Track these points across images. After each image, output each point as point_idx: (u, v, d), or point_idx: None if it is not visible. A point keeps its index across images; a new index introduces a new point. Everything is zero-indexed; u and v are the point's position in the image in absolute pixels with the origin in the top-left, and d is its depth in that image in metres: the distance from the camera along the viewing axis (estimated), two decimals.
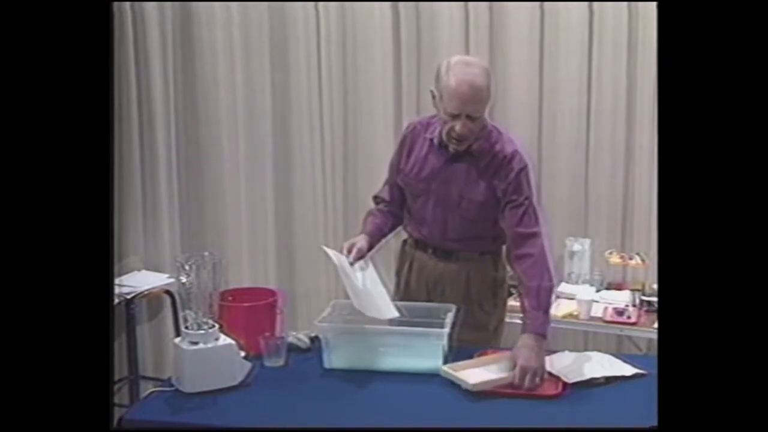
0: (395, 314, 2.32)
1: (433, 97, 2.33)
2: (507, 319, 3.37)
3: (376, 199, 2.65)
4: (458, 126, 2.27)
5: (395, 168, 2.56)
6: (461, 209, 2.41)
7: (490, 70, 2.33)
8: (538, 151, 3.70)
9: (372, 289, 2.37)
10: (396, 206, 2.59)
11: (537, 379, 2.09)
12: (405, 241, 2.63)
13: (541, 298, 2.28)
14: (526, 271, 2.31)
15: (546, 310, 2.28)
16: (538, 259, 2.32)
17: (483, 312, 2.52)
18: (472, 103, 2.25)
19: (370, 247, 2.47)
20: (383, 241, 2.58)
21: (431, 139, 2.44)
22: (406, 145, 2.52)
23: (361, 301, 2.26)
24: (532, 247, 2.33)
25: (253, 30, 3.67)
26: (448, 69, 2.26)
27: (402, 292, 2.57)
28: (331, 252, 2.36)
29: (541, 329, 2.22)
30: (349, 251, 2.38)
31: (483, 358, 2.24)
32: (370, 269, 2.44)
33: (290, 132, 3.81)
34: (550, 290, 2.31)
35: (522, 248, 2.33)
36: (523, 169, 2.36)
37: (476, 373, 2.12)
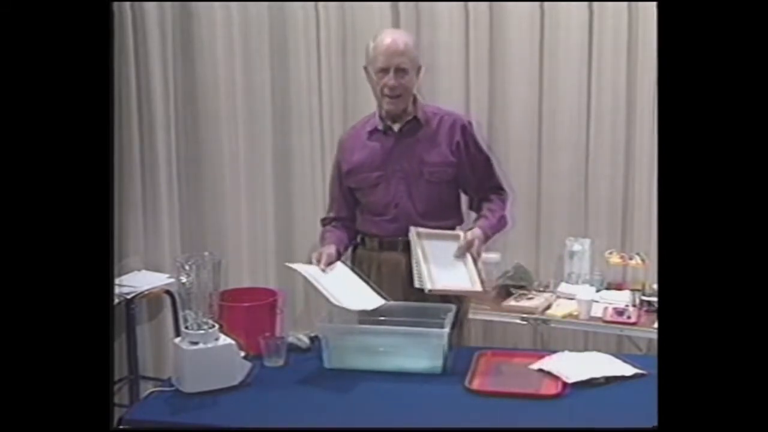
0: (380, 302, 2.33)
1: (367, 73, 2.51)
2: (507, 319, 3.39)
3: (324, 221, 2.70)
4: (390, 79, 2.42)
5: (338, 181, 2.65)
6: (425, 175, 2.51)
7: (416, 40, 2.59)
8: (538, 151, 3.70)
9: (351, 285, 2.38)
10: (347, 220, 2.65)
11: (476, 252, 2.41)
12: (356, 248, 2.64)
13: (499, 225, 2.58)
14: (500, 204, 2.61)
15: (498, 228, 2.58)
16: (507, 206, 2.63)
17: (457, 300, 2.52)
18: (398, 55, 2.42)
19: (339, 255, 2.50)
20: (346, 252, 2.61)
21: (374, 128, 2.55)
22: (345, 148, 2.63)
23: (342, 299, 2.26)
24: (505, 194, 2.64)
25: (253, 30, 3.67)
26: (374, 37, 2.49)
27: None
28: (296, 266, 2.39)
29: (489, 230, 2.52)
30: (319, 260, 2.41)
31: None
32: (345, 269, 2.45)
33: (290, 132, 3.81)
34: (505, 225, 2.62)
35: (501, 192, 2.63)
36: (472, 126, 2.59)
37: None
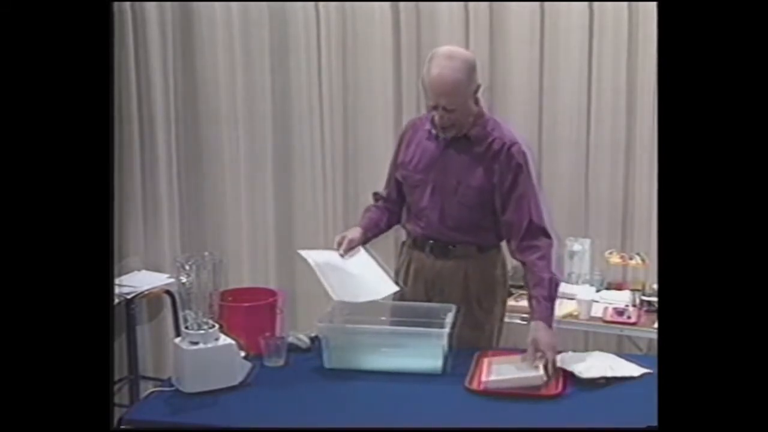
0: (394, 288, 2.33)
1: (424, 87, 2.38)
2: (507, 319, 3.39)
3: (375, 195, 2.67)
4: (437, 116, 2.34)
5: (394, 163, 2.58)
6: (458, 195, 2.42)
7: (473, 62, 2.35)
8: (539, 151, 3.69)
9: (365, 274, 2.38)
10: (393, 203, 2.60)
11: (551, 363, 2.15)
12: (404, 243, 2.64)
13: (552, 289, 2.33)
14: (536, 263, 2.35)
15: (554, 302, 2.34)
16: (547, 253, 2.36)
17: (482, 311, 2.52)
18: (445, 96, 2.28)
19: (366, 240, 2.49)
20: (380, 236, 2.59)
21: (429, 130, 2.47)
22: (406, 138, 2.55)
23: (343, 292, 2.26)
24: (541, 240, 2.37)
25: (253, 30, 3.67)
26: (430, 60, 2.31)
27: (400, 292, 2.55)
28: (305, 253, 2.36)
29: (551, 320, 2.29)
30: (339, 244, 2.41)
31: (502, 358, 2.25)
32: (362, 254, 2.45)
33: (290, 132, 3.81)
34: (558, 284, 2.38)
35: (532, 240, 2.37)
36: (524, 157, 2.38)
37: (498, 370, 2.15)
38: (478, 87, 2.36)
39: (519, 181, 2.36)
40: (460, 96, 2.30)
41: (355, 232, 2.47)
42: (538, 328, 2.25)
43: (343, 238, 2.43)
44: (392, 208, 2.61)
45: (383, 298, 2.37)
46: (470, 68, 2.32)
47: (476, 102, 2.40)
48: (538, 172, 3.72)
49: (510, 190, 2.37)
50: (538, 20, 3.58)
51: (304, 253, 2.37)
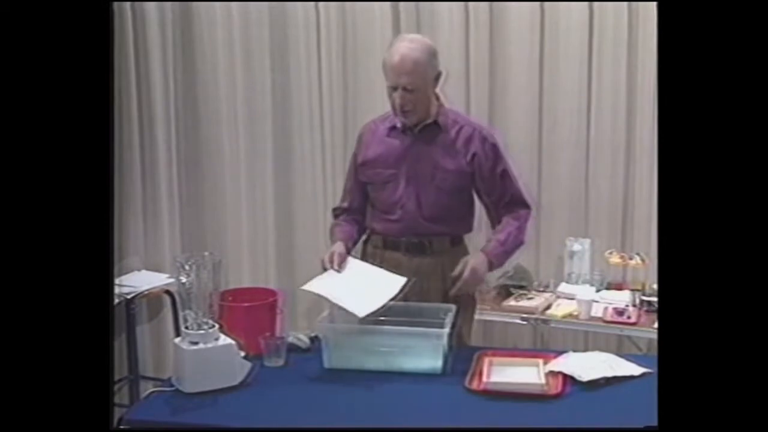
0: (402, 280, 2.34)
1: (385, 70, 2.42)
2: (507, 319, 3.39)
3: (336, 211, 2.68)
4: (397, 98, 2.37)
5: (353, 173, 2.61)
6: (436, 180, 2.47)
7: (434, 48, 2.43)
8: (539, 151, 3.70)
9: (368, 279, 2.38)
10: (357, 212, 2.63)
11: (476, 287, 2.45)
12: (366, 242, 2.63)
13: (511, 242, 2.49)
14: (511, 222, 2.51)
15: (507, 252, 2.50)
16: (524, 221, 2.53)
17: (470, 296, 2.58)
18: (406, 74, 2.33)
19: (348, 251, 2.49)
20: (354, 247, 2.59)
21: (394, 125, 2.50)
22: (364, 140, 2.58)
23: (363, 306, 2.24)
24: (522, 209, 2.54)
25: (254, 30, 3.67)
26: (391, 44, 2.39)
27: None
28: (312, 287, 2.32)
29: (493, 260, 2.44)
30: (331, 260, 2.39)
31: (503, 359, 2.26)
32: (354, 262, 2.45)
33: (290, 132, 3.81)
34: (519, 245, 2.53)
35: (513, 209, 2.53)
36: (495, 138, 2.53)
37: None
38: (439, 74, 2.44)
39: (498, 159, 2.50)
40: (420, 77, 2.36)
41: (340, 246, 2.46)
42: (478, 257, 2.41)
43: (332, 254, 2.41)
44: (358, 218, 2.63)
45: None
46: (431, 52, 2.40)
47: (437, 98, 2.48)
48: (538, 172, 3.74)
49: (492, 170, 2.49)
50: (538, 20, 3.59)
51: (307, 287, 2.34)
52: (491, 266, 2.45)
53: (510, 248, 2.49)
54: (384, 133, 2.53)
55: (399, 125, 2.49)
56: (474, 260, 2.40)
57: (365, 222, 2.63)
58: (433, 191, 2.47)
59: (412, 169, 2.48)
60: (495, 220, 2.56)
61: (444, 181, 2.46)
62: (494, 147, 2.49)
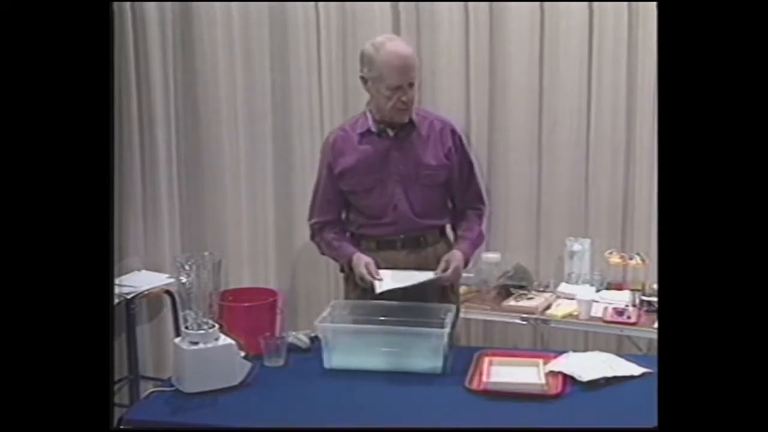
0: (430, 275, 2.43)
1: (365, 82, 2.47)
2: (507, 319, 3.39)
3: (317, 225, 2.62)
4: (404, 96, 2.41)
5: (328, 183, 2.56)
6: (421, 178, 2.52)
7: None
8: (538, 151, 3.70)
9: (405, 273, 2.45)
10: (340, 223, 2.64)
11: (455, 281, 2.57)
12: (357, 246, 2.59)
13: (478, 239, 2.65)
14: (474, 218, 2.65)
15: (475, 251, 2.68)
16: (482, 215, 2.69)
17: (454, 294, 2.66)
18: (412, 69, 2.42)
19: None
20: None
21: (367, 130, 2.52)
22: (335, 153, 2.55)
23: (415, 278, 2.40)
24: (482, 204, 2.69)
25: (254, 30, 3.67)
26: (377, 49, 2.41)
27: (372, 294, 2.45)
28: (381, 285, 2.40)
29: (470, 257, 2.61)
30: (370, 273, 2.42)
31: (503, 359, 2.27)
32: (385, 270, 2.47)
33: (290, 132, 3.80)
34: (482, 241, 2.73)
35: (475, 202, 2.67)
36: (460, 131, 2.63)
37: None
38: None
39: (465, 152, 2.62)
40: (418, 70, 2.48)
41: (365, 257, 2.48)
42: (456, 254, 2.50)
43: (367, 267, 2.43)
44: (342, 227, 2.62)
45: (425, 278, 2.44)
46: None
47: None
48: (538, 171, 3.74)
49: (461, 162, 2.59)
50: (538, 20, 3.58)
51: (380, 286, 2.41)
52: (466, 264, 2.57)
53: (478, 247, 2.68)
54: (356, 139, 2.53)
55: (374, 129, 2.50)
56: (456, 261, 2.48)
57: (345, 229, 2.62)
58: (420, 189, 2.52)
59: (396, 171, 2.50)
60: (458, 213, 2.65)
61: (429, 178, 2.52)
62: (461, 139, 2.60)
